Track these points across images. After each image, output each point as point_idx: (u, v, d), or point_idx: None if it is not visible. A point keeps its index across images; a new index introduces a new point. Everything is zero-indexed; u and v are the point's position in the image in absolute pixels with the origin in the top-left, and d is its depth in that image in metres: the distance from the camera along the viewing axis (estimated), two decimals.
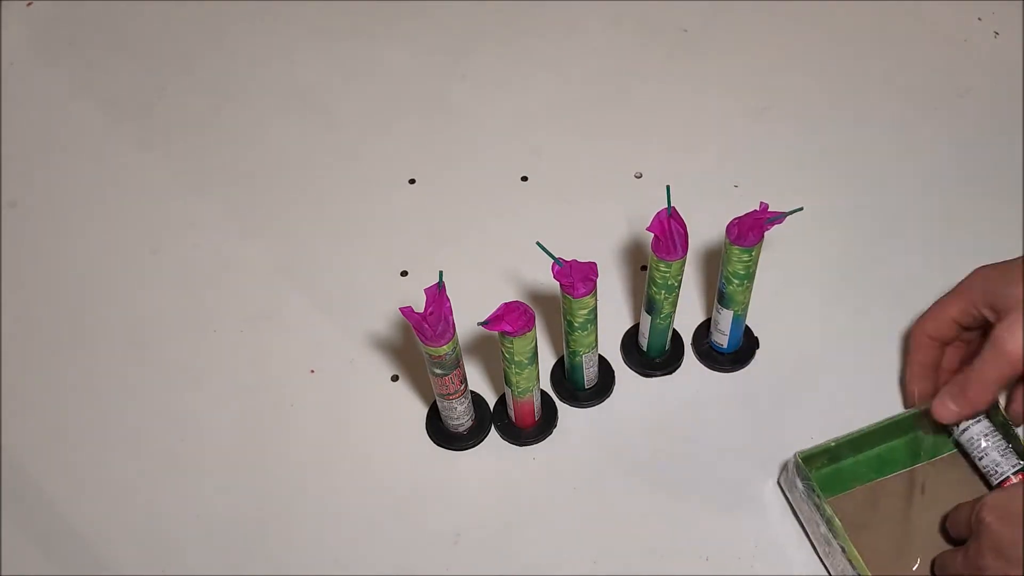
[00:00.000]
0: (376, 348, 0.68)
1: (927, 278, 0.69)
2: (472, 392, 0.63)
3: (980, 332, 0.60)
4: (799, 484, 0.57)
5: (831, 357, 0.66)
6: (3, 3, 0.90)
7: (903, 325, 0.67)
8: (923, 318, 0.60)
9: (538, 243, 0.54)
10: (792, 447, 0.62)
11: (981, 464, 0.57)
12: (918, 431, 0.59)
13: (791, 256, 0.70)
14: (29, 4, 0.91)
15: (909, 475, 0.59)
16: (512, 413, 0.62)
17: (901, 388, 0.64)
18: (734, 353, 0.66)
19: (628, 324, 0.68)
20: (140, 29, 0.89)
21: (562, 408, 0.65)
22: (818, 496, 0.55)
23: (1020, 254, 0.70)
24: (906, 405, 0.63)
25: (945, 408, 0.55)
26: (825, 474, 0.59)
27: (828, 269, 0.70)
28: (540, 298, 0.70)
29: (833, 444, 0.57)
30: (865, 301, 0.69)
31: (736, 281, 0.59)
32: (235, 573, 0.59)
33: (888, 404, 0.64)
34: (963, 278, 0.58)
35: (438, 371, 0.56)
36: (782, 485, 0.60)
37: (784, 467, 0.59)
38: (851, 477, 0.59)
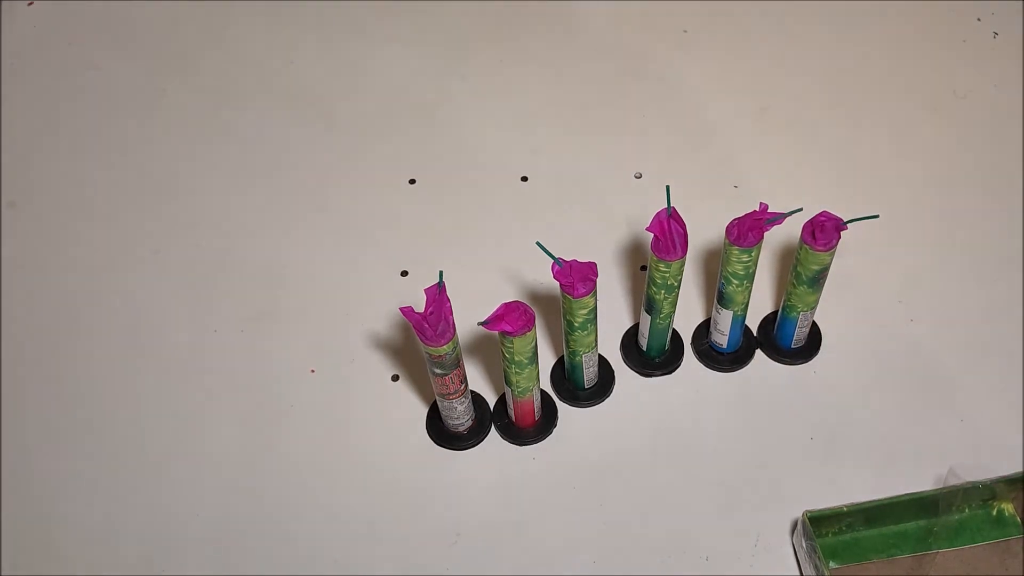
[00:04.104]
0: (376, 348, 0.68)
1: (926, 278, 0.70)
2: (472, 392, 0.63)
3: None
4: (804, 544, 0.56)
5: (829, 356, 0.66)
6: (3, 3, 0.90)
7: (898, 324, 0.67)
8: None
9: (538, 243, 0.54)
10: (791, 448, 0.62)
11: None
12: (939, 514, 0.57)
13: (791, 256, 0.70)
14: (30, 4, 0.91)
15: (920, 560, 0.57)
16: (512, 413, 0.62)
17: None
18: (734, 353, 0.66)
19: (628, 324, 0.68)
20: (140, 29, 0.89)
21: (562, 408, 0.65)
22: (820, 558, 0.54)
23: (1020, 254, 0.70)
24: None
25: None
26: (840, 540, 0.57)
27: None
28: (540, 298, 0.70)
29: (844, 510, 0.56)
30: (863, 301, 0.69)
31: (736, 281, 0.59)
32: (235, 573, 0.59)
33: (882, 398, 0.64)
34: None
35: (438, 371, 0.56)
36: (792, 541, 0.59)
37: (794, 523, 0.58)
38: (868, 547, 0.57)
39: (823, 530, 0.57)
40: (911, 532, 0.57)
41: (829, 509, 0.56)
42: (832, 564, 0.57)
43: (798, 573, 0.58)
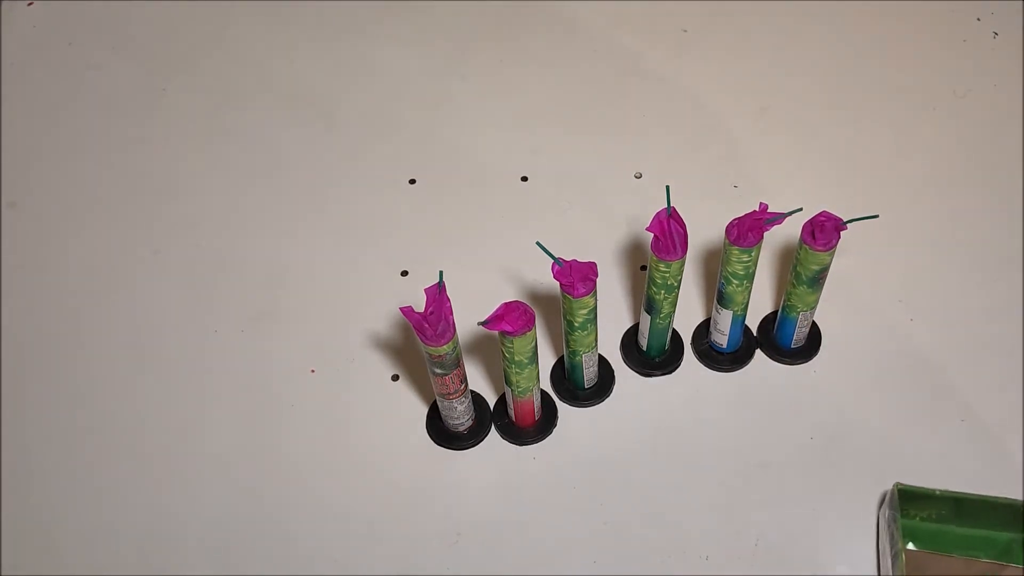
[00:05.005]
0: (376, 348, 0.68)
1: (926, 278, 0.70)
2: (472, 392, 0.63)
3: None
4: (887, 513, 0.56)
5: (829, 356, 0.66)
6: (3, 3, 0.91)
7: (898, 324, 0.67)
8: None
9: (538, 243, 0.54)
10: (791, 448, 0.62)
11: None
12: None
13: (791, 256, 0.70)
14: (30, 4, 0.91)
15: (997, 569, 0.56)
16: (512, 413, 0.62)
17: None
18: (733, 353, 0.66)
19: (628, 324, 0.68)
20: (140, 29, 0.89)
21: (562, 408, 0.65)
22: (897, 531, 0.54)
23: (1020, 254, 0.70)
24: None
25: None
26: (926, 528, 0.57)
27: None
28: (540, 298, 0.70)
29: (937, 493, 0.55)
30: (863, 301, 0.69)
31: (735, 281, 0.59)
32: (235, 573, 0.59)
33: (881, 398, 0.64)
34: None
35: (438, 371, 0.56)
36: (878, 514, 0.59)
37: (883, 496, 0.59)
38: (951, 543, 0.57)
39: (912, 512, 0.56)
40: (1000, 541, 0.57)
41: (919, 488, 0.55)
42: (910, 546, 0.57)
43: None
